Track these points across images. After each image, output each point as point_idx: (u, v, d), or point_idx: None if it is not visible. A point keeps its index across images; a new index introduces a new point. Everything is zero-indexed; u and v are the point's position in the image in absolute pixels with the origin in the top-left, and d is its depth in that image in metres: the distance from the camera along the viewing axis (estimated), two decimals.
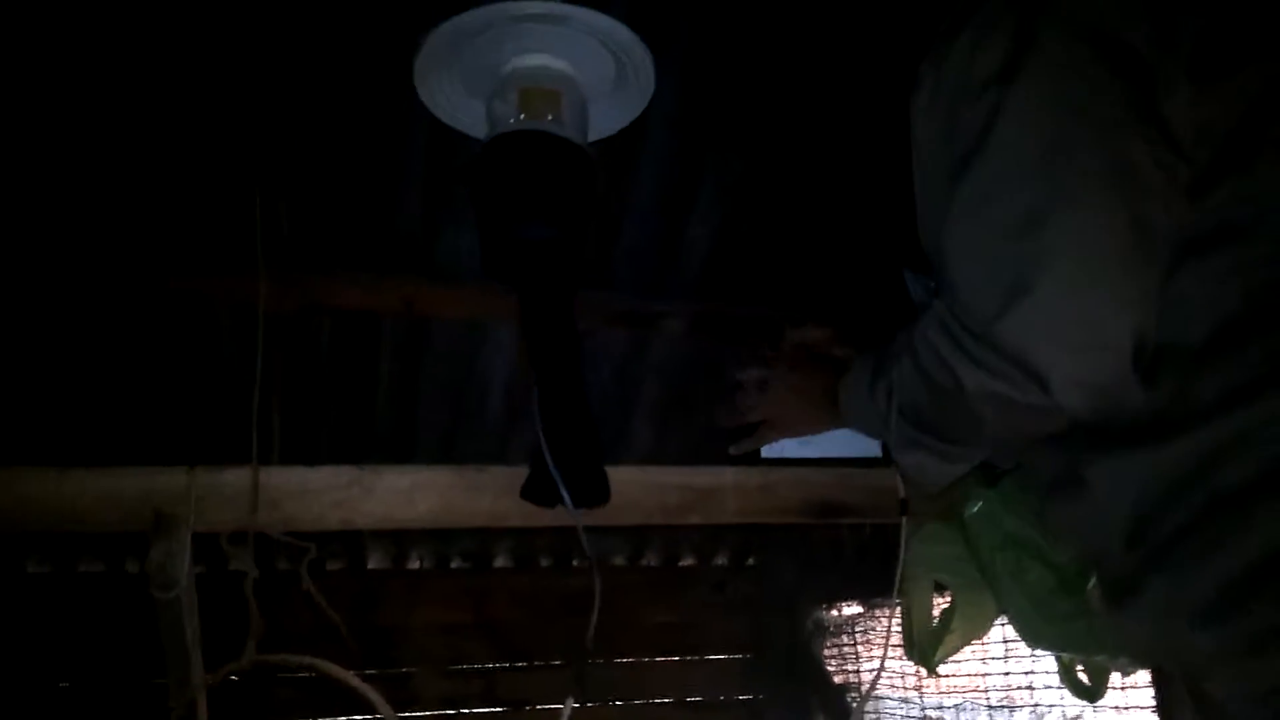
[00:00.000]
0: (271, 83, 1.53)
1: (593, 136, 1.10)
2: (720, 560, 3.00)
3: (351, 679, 1.03)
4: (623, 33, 1.00)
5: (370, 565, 2.71)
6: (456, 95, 1.08)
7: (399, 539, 2.65)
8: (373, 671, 2.57)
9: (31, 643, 2.38)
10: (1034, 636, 1.40)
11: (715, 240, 1.96)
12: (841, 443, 1.27)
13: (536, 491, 1.09)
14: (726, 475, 1.21)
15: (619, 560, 2.89)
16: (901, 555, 1.26)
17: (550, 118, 1.00)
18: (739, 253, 1.99)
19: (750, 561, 3.00)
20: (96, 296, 1.80)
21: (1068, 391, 0.83)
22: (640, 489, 1.14)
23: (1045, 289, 0.81)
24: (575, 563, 2.86)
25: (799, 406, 1.19)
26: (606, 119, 1.14)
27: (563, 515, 1.14)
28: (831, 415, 1.14)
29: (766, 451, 1.24)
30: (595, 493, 1.09)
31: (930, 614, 1.54)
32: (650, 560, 2.95)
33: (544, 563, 2.86)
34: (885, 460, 1.23)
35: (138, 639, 2.09)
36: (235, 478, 1.07)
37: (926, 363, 0.92)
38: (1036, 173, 0.83)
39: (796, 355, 1.23)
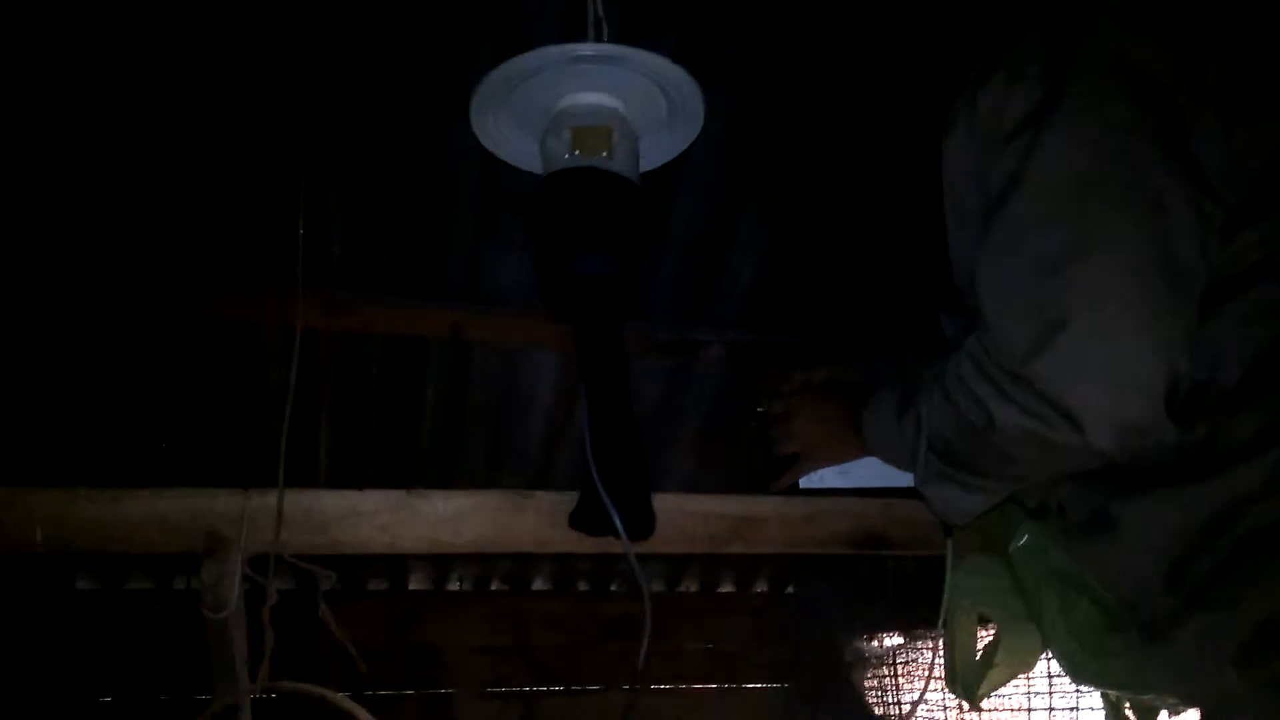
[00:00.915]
0: (329, 109, 1.57)
1: (643, 168, 1.12)
2: (759, 588, 2.98)
3: (361, 712, 1.03)
4: (672, 70, 1.02)
5: (411, 586, 2.74)
6: (508, 129, 1.11)
7: (440, 561, 2.67)
8: (411, 692, 2.63)
9: (79, 658, 2.42)
10: (1080, 672, 1.37)
11: (756, 270, 1.97)
12: (882, 473, 1.27)
13: (586, 520, 1.11)
14: (770, 504, 1.21)
15: (657, 586, 2.89)
16: (946, 586, 1.25)
17: (604, 154, 1.02)
18: (779, 282, 1.99)
19: (790, 590, 2.98)
20: (151, 321, 1.85)
21: (1101, 432, 0.83)
22: (684, 517, 1.15)
23: (1079, 328, 0.81)
24: (614, 587, 2.86)
25: (826, 436, 1.20)
26: (656, 151, 1.16)
27: (607, 542, 1.14)
28: (858, 442, 1.15)
29: (805, 483, 1.24)
30: (643, 524, 1.10)
31: (974, 647, 1.52)
32: (689, 587, 2.94)
33: (582, 587, 2.86)
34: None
35: (184, 655, 2.12)
36: (288, 501, 1.09)
37: (958, 398, 0.93)
38: (1070, 212, 0.83)
39: (817, 387, 1.24)
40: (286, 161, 1.63)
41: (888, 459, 1.12)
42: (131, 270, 1.77)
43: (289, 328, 1.86)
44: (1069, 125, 0.85)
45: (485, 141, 1.12)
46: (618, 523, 1.04)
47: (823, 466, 1.24)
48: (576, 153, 1.03)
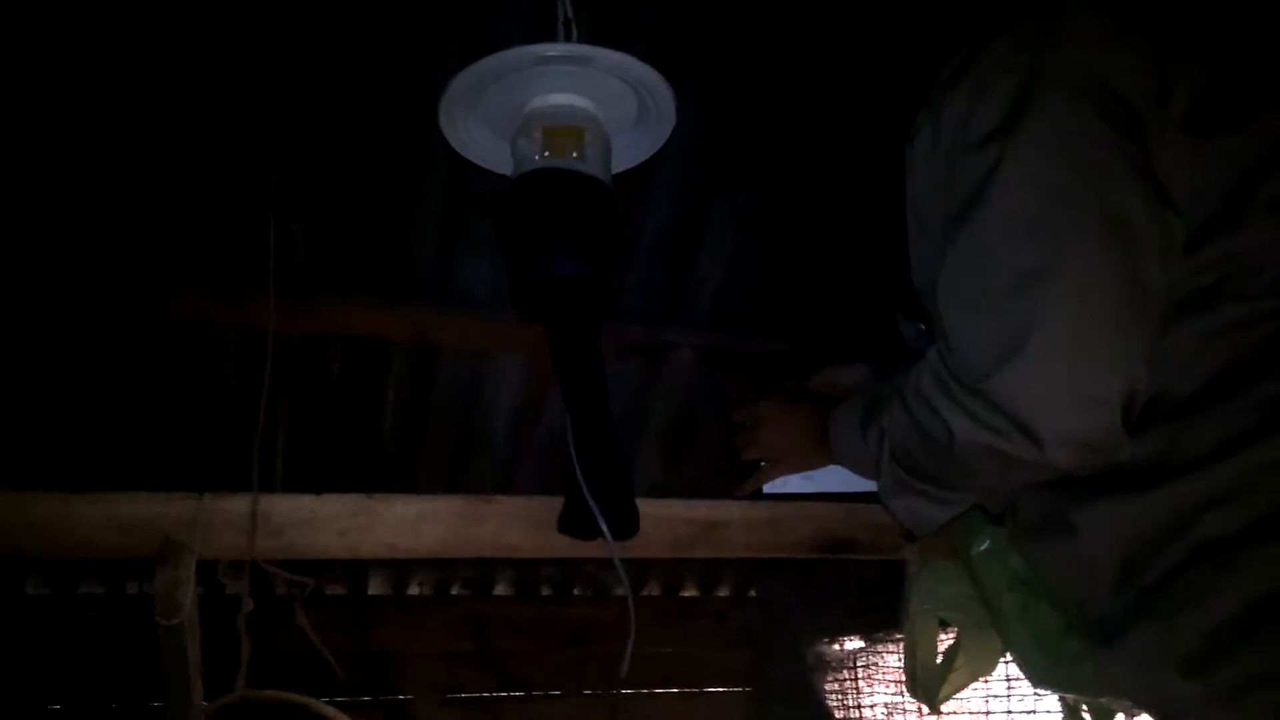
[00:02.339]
0: (295, 109, 1.54)
1: (616, 169, 1.12)
2: (722, 591, 2.99)
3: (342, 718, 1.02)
4: (643, 71, 1.02)
5: (371, 591, 2.70)
6: (477, 130, 1.10)
7: (400, 565, 2.64)
8: (369, 699, 2.59)
9: (29, 665, 2.36)
10: (1039, 677, 1.39)
11: (724, 273, 1.97)
12: (846, 478, 1.27)
13: (574, 524, 1.10)
14: (734, 509, 1.21)
15: (620, 591, 2.88)
16: (908, 590, 1.26)
17: (574, 155, 1.02)
18: (748, 285, 2.00)
19: (752, 593, 2.99)
20: (104, 319, 1.81)
21: (1059, 448, 0.83)
22: (648, 522, 1.14)
23: (1040, 346, 0.81)
24: (576, 592, 2.85)
25: (792, 443, 1.19)
26: (629, 152, 1.16)
27: (570, 547, 1.13)
28: (824, 451, 1.15)
29: (768, 488, 1.24)
30: (628, 524, 1.09)
31: (935, 651, 1.53)
32: (651, 590, 2.93)
33: (545, 592, 2.85)
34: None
35: (136, 662, 2.07)
36: (241, 505, 1.07)
37: (918, 411, 0.93)
38: (1033, 229, 0.84)
39: (789, 395, 1.24)
40: (251, 162, 1.61)
41: (854, 469, 1.12)
42: (87, 267, 1.73)
43: (248, 328, 1.84)
44: (1035, 141, 0.84)
45: (455, 143, 1.11)
46: (603, 525, 1.03)
47: (788, 473, 1.24)
48: (547, 154, 1.02)
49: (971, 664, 1.51)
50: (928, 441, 0.93)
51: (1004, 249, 0.85)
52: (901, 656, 2.25)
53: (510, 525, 1.15)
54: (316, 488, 1.14)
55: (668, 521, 1.20)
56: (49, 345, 1.82)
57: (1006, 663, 1.72)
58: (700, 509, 1.22)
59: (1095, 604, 0.94)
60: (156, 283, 1.77)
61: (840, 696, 2.73)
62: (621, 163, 1.17)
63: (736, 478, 1.22)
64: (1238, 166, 0.86)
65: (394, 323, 1.91)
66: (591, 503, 1.04)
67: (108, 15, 1.39)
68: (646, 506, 1.19)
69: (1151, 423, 0.86)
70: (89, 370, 1.88)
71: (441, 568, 2.69)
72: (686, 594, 2.97)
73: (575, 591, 2.84)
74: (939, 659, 1.53)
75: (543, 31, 1.31)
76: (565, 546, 1.15)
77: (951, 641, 1.53)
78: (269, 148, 1.56)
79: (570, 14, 1.11)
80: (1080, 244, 0.82)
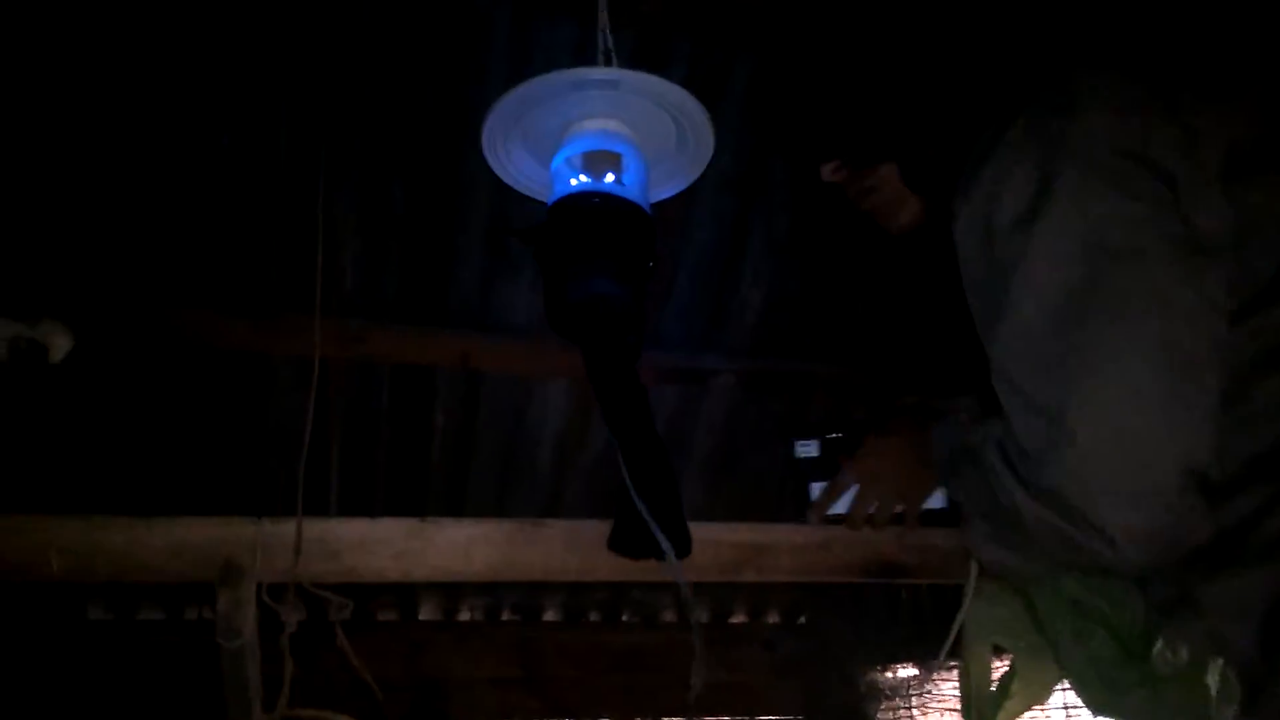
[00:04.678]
0: (341, 140, 1.59)
1: (654, 198, 1.13)
2: (772, 618, 2.96)
3: None
4: (682, 96, 1.04)
5: (422, 616, 2.72)
6: (518, 156, 1.12)
7: (450, 591, 2.66)
8: None
9: (90, 688, 2.41)
10: (1096, 704, 1.35)
11: (764, 297, 1.97)
12: None
13: (625, 543, 1.09)
14: (782, 532, 1.20)
15: (668, 617, 2.87)
16: (962, 616, 1.24)
17: (611, 178, 1.03)
18: (788, 309, 2.00)
19: (802, 620, 2.95)
20: (162, 350, 1.86)
21: (1133, 547, 0.81)
22: (696, 545, 1.14)
23: (1085, 442, 0.79)
24: (625, 617, 2.84)
25: (895, 468, 1.17)
26: (669, 180, 1.18)
27: (619, 570, 1.14)
28: (926, 474, 1.13)
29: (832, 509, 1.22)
30: (682, 543, 1.09)
31: (989, 678, 1.51)
32: (700, 617, 2.91)
33: (594, 617, 2.85)
34: (948, 517, 1.22)
35: (195, 687, 2.12)
36: (302, 529, 1.09)
37: (994, 483, 0.91)
38: (1065, 319, 0.82)
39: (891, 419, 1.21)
40: (298, 192, 1.65)
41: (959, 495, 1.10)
42: (142, 299, 1.78)
43: (297, 356, 1.88)
44: (1059, 226, 0.83)
45: (496, 169, 1.13)
46: (664, 542, 1.03)
47: (889, 497, 1.20)
48: (584, 178, 1.04)
49: (1027, 691, 1.48)
50: (1006, 513, 0.91)
51: (1040, 341, 0.84)
52: (956, 684, 2.21)
53: (560, 548, 1.16)
54: (368, 513, 1.16)
55: (714, 545, 1.20)
56: (110, 377, 1.88)
57: (1064, 690, 1.69)
58: (747, 532, 1.21)
59: (1242, 668, 0.90)
60: (211, 315, 1.82)
61: None
62: (662, 190, 1.19)
63: (804, 501, 1.21)
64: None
65: (439, 349, 1.95)
66: (650, 522, 1.04)
67: (159, 45, 1.44)
68: (693, 530, 1.18)
69: (1251, 485, 0.82)
70: (148, 401, 1.94)
71: (491, 593, 2.70)
72: (735, 620, 2.94)
73: (624, 617, 2.84)
74: (994, 686, 1.50)
75: (583, 62, 1.34)
76: (613, 569, 1.15)
77: (1007, 668, 1.51)
78: (317, 180, 1.61)
79: (610, 44, 1.14)
80: (1114, 330, 0.80)
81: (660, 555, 1.05)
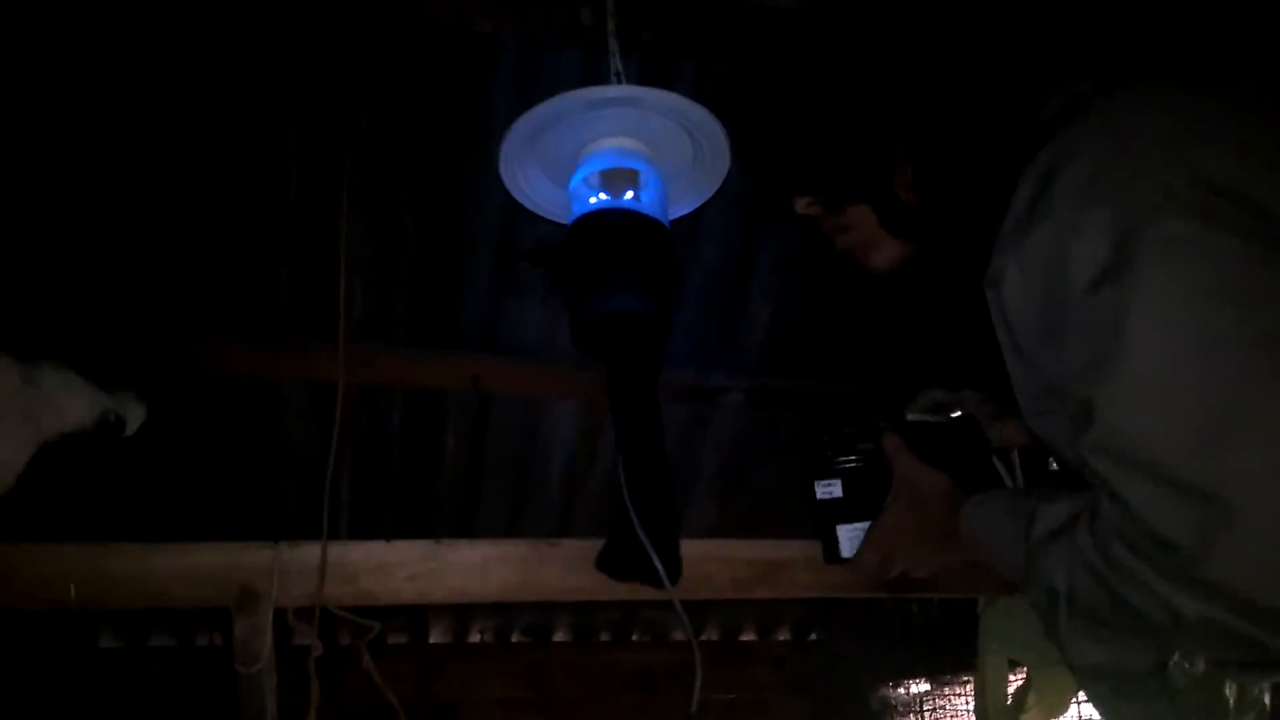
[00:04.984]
0: (351, 166, 1.60)
1: (674, 214, 1.15)
2: (782, 635, 2.95)
3: None
4: (697, 112, 1.05)
5: (433, 639, 2.72)
6: (533, 175, 1.14)
7: (461, 613, 2.66)
8: None
9: (103, 717, 2.41)
10: (1114, 716, 1.36)
11: (772, 315, 1.98)
12: None
13: (614, 563, 1.10)
14: (796, 548, 1.20)
15: (678, 634, 2.86)
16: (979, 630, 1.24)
17: (630, 195, 1.05)
18: (796, 327, 2.00)
19: (813, 636, 2.94)
20: (172, 379, 1.87)
21: None
22: (710, 562, 1.14)
23: (1246, 517, 0.69)
24: (635, 637, 2.84)
25: (915, 541, 1.09)
26: (686, 195, 1.19)
27: (630, 590, 1.14)
28: (954, 544, 1.05)
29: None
30: (674, 568, 1.09)
31: (1005, 692, 1.51)
32: (710, 635, 2.91)
33: (604, 637, 2.84)
34: None
35: (207, 714, 2.11)
36: (315, 553, 1.10)
37: (1120, 585, 0.78)
38: (1195, 378, 0.72)
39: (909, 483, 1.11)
40: (307, 220, 1.67)
41: (1004, 569, 0.99)
42: (153, 329, 1.79)
43: (307, 382, 1.89)
44: (1161, 277, 0.73)
45: (513, 191, 1.14)
46: (659, 565, 1.03)
47: (908, 567, 1.13)
48: (604, 195, 1.05)
49: (1043, 704, 1.48)
50: (1137, 619, 0.78)
51: (1168, 407, 0.73)
52: (969, 698, 2.20)
53: (574, 568, 1.16)
54: (379, 536, 1.16)
55: (728, 562, 1.20)
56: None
57: (1080, 702, 1.68)
58: (761, 548, 1.21)
59: None
60: (223, 342, 1.83)
61: None
62: (681, 206, 1.20)
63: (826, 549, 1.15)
64: None
65: (450, 372, 1.95)
66: (646, 545, 1.04)
67: (165, 71, 1.46)
68: (707, 547, 1.19)
69: None
70: (159, 429, 1.94)
71: (502, 614, 2.70)
72: (745, 638, 2.94)
73: (634, 637, 2.83)
74: (1009, 700, 1.50)
75: (591, 83, 1.36)
76: (628, 589, 1.15)
77: (1021, 682, 1.51)
78: (327, 207, 1.62)
79: (620, 67, 1.15)
80: (1257, 385, 0.71)
81: (646, 578, 1.05)
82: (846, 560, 1.15)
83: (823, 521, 1.16)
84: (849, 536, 1.15)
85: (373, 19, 1.42)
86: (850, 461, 1.15)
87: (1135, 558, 0.75)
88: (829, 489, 1.16)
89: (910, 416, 1.23)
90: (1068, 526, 0.85)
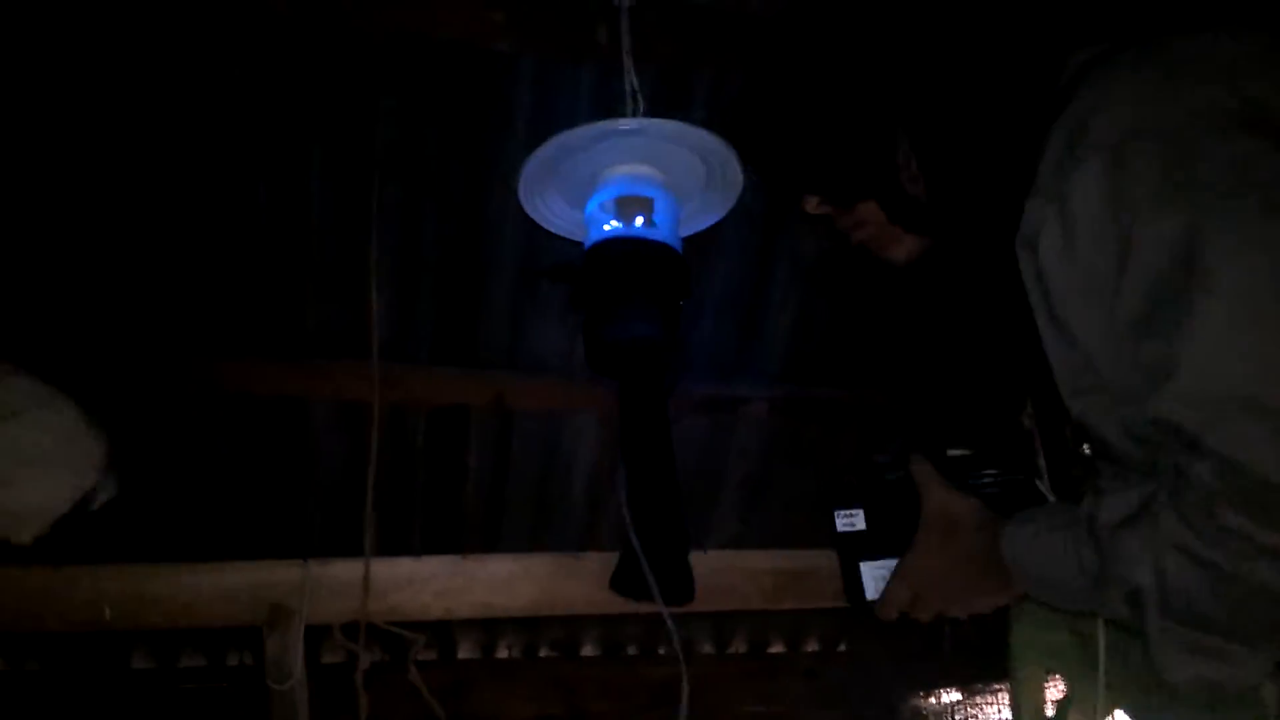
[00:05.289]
0: (376, 187, 1.62)
1: (687, 231, 1.16)
2: (811, 646, 2.93)
3: None
4: (709, 140, 1.07)
5: (460, 655, 2.72)
6: (550, 199, 1.16)
7: (489, 627, 2.66)
8: None
9: None
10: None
11: (793, 323, 1.98)
12: None
13: (625, 583, 1.11)
14: (822, 557, 1.20)
15: (706, 648, 2.85)
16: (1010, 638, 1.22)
17: (642, 222, 1.07)
18: (817, 335, 2.00)
19: (842, 647, 2.92)
20: (196, 393, 1.89)
21: None
22: (736, 574, 1.15)
23: None
24: (662, 650, 2.83)
25: (957, 574, 1.01)
26: (700, 214, 1.20)
27: (650, 604, 1.14)
28: (995, 578, 0.97)
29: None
30: (682, 588, 1.10)
31: (1042, 703, 1.48)
32: (738, 647, 2.89)
33: (631, 651, 2.83)
34: None
35: None
36: (345, 570, 1.11)
37: (1229, 560, 0.69)
38: None
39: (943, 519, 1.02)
40: (331, 239, 1.69)
41: (1054, 597, 0.94)
42: (176, 348, 1.82)
43: (333, 400, 1.90)
44: (1229, 197, 0.67)
45: (533, 214, 1.17)
46: (654, 588, 1.04)
47: (948, 607, 1.05)
48: (617, 223, 1.08)
49: (1084, 712, 1.45)
50: (1256, 603, 0.71)
51: (1261, 332, 0.66)
52: (1002, 708, 2.18)
53: (599, 581, 1.17)
54: (405, 554, 1.17)
55: (755, 573, 1.20)
56: (148, 426, 1.91)
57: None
58: (787, 558, 1.22)
59: None
60: (249, 361, 1.85)
61: None
62: (696, 224, 1.22)
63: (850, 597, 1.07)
64: None
65: (473, 390, 1.96)
66: (644, 565, 1.05)
67: (181, 88, 1.48)
68: (734, 558, 1.19)
69: None
70: (184, 448, 1.96)
71: (529, 629, 2.70)
72: (774, 650, 2.92)
73: (661, 650, 2.82)
74: (1050, 710, 1.48)
75: (605, 101, 1.37)
76: (652, 602, 1.16)
77: (1060, 691, 1.48)
78: (350, 226, 1.64)
79: (636, 86, 1.17)
80: None
81: (649, 595, 1.05)
82: (872, 603, 1.04)
83: (844, 557, 1.05)
84: (874, 575, 1.05)
85: (393, 41, 1.45)
86: (874, 489, 1.05)
87: (1244, 517, 0.67)
88: (850, 520, 1.05)
89: (951, 454, 1.11)
90: (1140, 513, 0.77)
